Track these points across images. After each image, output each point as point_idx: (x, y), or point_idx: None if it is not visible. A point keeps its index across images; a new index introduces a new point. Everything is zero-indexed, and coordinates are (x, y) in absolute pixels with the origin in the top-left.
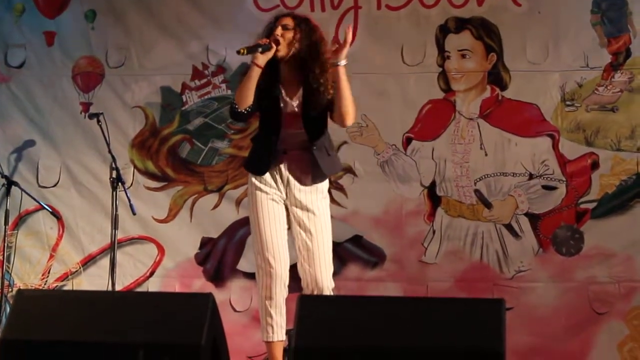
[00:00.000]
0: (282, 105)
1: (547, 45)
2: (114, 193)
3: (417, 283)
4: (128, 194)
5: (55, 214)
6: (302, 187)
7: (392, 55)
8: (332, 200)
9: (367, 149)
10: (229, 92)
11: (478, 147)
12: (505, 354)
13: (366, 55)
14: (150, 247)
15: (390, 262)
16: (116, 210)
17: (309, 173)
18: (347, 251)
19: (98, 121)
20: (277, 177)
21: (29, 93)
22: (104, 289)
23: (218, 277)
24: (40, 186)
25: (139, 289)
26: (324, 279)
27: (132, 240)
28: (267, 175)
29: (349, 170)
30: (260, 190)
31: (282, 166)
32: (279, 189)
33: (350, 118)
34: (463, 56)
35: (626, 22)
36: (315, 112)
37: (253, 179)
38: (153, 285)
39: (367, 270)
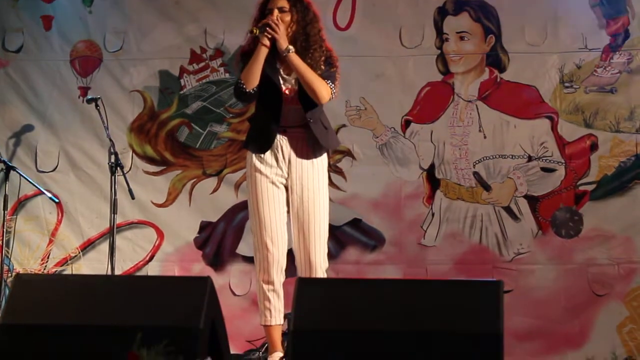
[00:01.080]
0: (281, 82)
1: (546, 27)
2: (113, 177)
3: (417, 266)
4: (127, 179)
5: (54, 198)
6: (303, 163)
7: (390, 38)
8: (331, 183)
9: (366, 132)
10: (227, 75)
11: (477, 130)
12: (503, 335)
13: (364, 38)
14: (149, 231)
15: (390, 245)
16: (115, 195)
17: (309, 147)
18: (346, 234)
19: (96, 105)
20: (279, 155)
21: (27, 78)
22: (104, 273)
23: (217, 261)
24: (39, 171)
25: (138, 274)
26: (317, 257)
27: (131, 225)
28: (268, 155)
29: (347, 153)
30: (260, 172)
31: (282, 143)
32: (280, 168)
33: (323, 95)
34: (461, 38)
35: (625, 3)
36: None
37: (253, 160)
38: (152, 270)
39: (366, 254)
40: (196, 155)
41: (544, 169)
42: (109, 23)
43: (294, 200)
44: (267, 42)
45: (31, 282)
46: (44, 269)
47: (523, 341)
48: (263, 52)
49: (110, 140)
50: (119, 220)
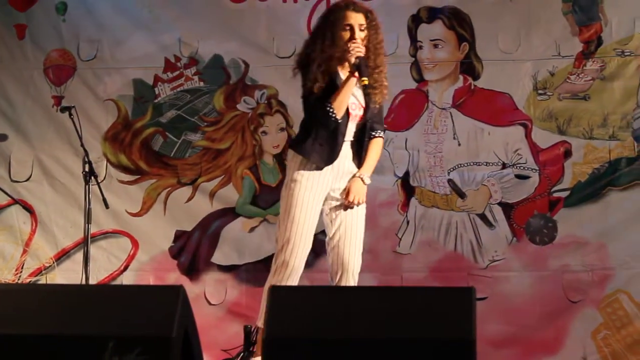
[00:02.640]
0: (351, 99)
1: (519, 34)
2: (87, 187)
3: (392, 273)
4: (101, 188)
5: (27, 208)
6: (351, 171)
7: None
8: None
9: None
10: (202, 84)
11: (451, 137)
12: (475, 342)
13: None
14: (124, 240)
15: (364, 253)
16: (89, 204)
17: (359, 160)
18: (320, 243)
19: (70, 114)
20: (328, 168)
21: (0, 87)
22: (78, 283)
23: (192, 270)
24: (12, 180)
25: (113, 283)
26: (355, 265)
27: (105, 234)
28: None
29: None
30: (305, 182)
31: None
32: (327, 179)
33: None
34: (435, 46)
35: (597, 10)
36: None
37: (301, 169)
38: (127, 279)
39: None
40: (171, 164)
41: (518, 176)
42: (82, 32)
43: (338, 211)
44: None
45: (5, 293)
46: (18, 279)
47: (498, 348)
48: (353, 82)
49: (85, 149)
50: (93, 229)
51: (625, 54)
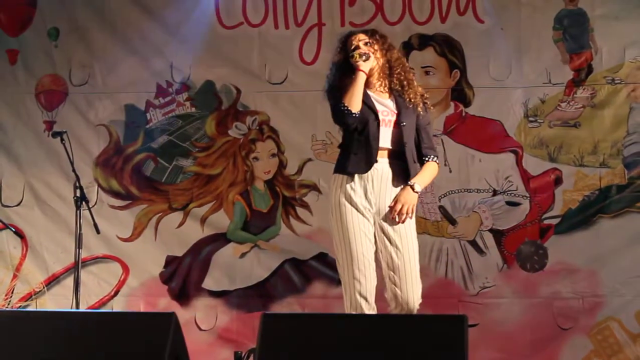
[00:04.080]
0: (375, 105)
1: (510, 62)
2: (78, 212)
3: (383, 300)
4: (92, 213)
5: (18, 233)
6: (391, 192)
7: None
8: (297, 217)
9: (332, 166)
10: (193, 109)
11: (442, 164)
12: None
13: None
14: (114, 266)
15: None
16: (80, 229)
17: (398, 178)
18: (312, 268)
19: (62, 140)
20: (368, 186)
21: None
22: (68, 308)
23: (183, 295)
24: (3, 205)
25: (103, 309)
26: (409, 296)
27: (96, 260)
28: (357, 185)
29: (313, 187)
30: (350, 201)
31: (372, 174)
32: (368, 200)
33: None
34: (426, 73)
35: (588, 38)
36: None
37: (344, 188)
38: (118, 305)
39: (332, 288)
40: (162, 190)
41: (509, 203)
42: (74, 57)
43: (384, 230)
44: (365, 69)
45: None
46: (8, 304)
47: None
48: (362, 78)
49: (76, 174)
50: (84, 254)
51: (616, 81)
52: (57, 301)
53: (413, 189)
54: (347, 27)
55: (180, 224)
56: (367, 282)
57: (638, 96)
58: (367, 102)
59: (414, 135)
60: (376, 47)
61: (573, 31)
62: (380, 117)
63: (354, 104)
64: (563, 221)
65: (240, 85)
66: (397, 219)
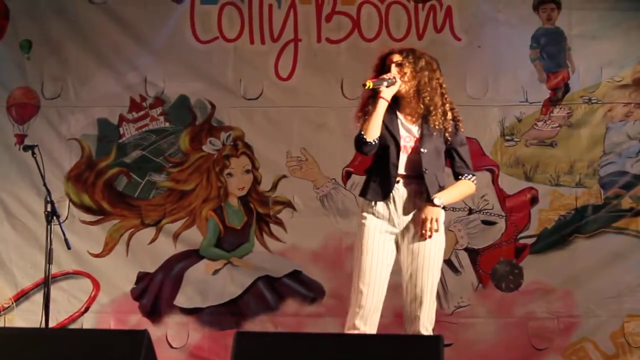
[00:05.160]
0: (400, 131)
1: (487, 80)
2: (49, 227)
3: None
4: (63, 228)
5: None
6: (415, 217)
7: (332, 89)
8: (271, 234)
9: (307, 183)
10: (167, 124)
11: None
12: None
13: (306, 88)
14: (85, 282)
15: (330, 298)
16: (50, 245)
17: (421, 200)
18: (285, 286)
19: (33, 153)
20: (391, 207)
21: None
22: (37, 325)
23: (154, 312)
24: None
25: (73, 325)
26: (425, 317)
27: (66, 275)
28: (381, 207)
29: (288, 204)
30: (372, 222)
31: (396, 195)
32: (391, 221)
33: (471, 194)
34: None
35: (565, 57)
36: (432, 140)
37: (366, 209)
38: (88, 321)
39: (305, 306)
40: (134, 205)
41: (484, 222)
42: (46, 70)
43: (406, 255)
44: (387, 96)
45: None
46: None
47: None
48: (383, 106)
49: (47, 188)
50: (54, 270)
51: (592, 101)
52: (26, 317)
53: (433, 203)
54: (323, 44)
55: (153, 240)
56: (370, 297)
57: (614, 116)
58: (390, 127)
59: (441, 161)
60: (407, 70)
61: (550, 50)
62: (402, 143)
63: (370, 132)
64: (539, 241)
65: (214, 101)
66: (424, 235)
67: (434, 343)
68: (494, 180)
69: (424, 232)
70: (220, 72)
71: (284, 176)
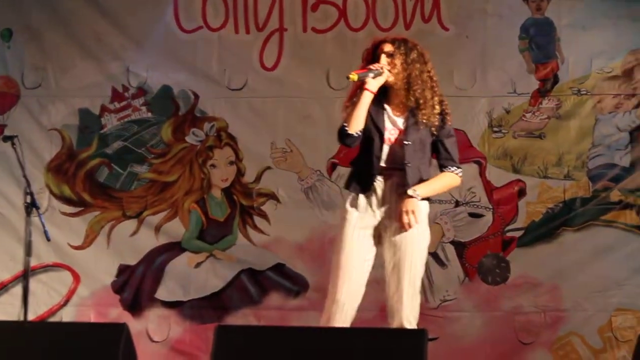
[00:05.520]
0: (385, 123)
1: (475, 71)
2: (28, 218)
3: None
4: (42, 220)
5: None
6: (396, 205)
7: (317, 79)
8: (254, 227)
9: (291, 175)
10: (150, 114)
11: None
12: None
13: (291, 78)
14: (65, 274)
15: (313, 291)
16: (30, 236)
17: (403, 192)
18: (269, 279)
19: (13, 144)
20: (372, 199)
21: None
22: (16, 318)
23: (135, 306)
24: None
25: (52, 318)
26: (406, 310)
27: (46, 268)
28: (362, 199)
29: (272, 196)
30: (351, 217)
31: (378, 187)
32: (373, 212)
33: (454, 187)
34: None
35: (554, 48)
36: (418, 132)
37: (347, 204)
38: (67, 315)
39: (289, 299)
40: (116, 197)
41: (471, 215)
42: (27, 59)
43: (388, 247)
44: (373, 88)
45: None
46: None
47: None
48: (367, 97)
49: (27, 179)
50: (33, 262)
51: (582, 92)
52: (5, 310)
53: (410, 195)
54: (309, 33)
55: (134, 232)
56: (346, 295)
57: (604, 108)
58: (375, 118)
59: (426, 154)
60: (398, 61)
61: (539, 41)
62: (386, 135)
63: (353, 124)
64: (526, 234)
65: (198, 91)
66: (403, 227)
67: (418, 337)
68: (481, 172)
69: (402, 219)
70: (204, 62)
71: (268, 168)
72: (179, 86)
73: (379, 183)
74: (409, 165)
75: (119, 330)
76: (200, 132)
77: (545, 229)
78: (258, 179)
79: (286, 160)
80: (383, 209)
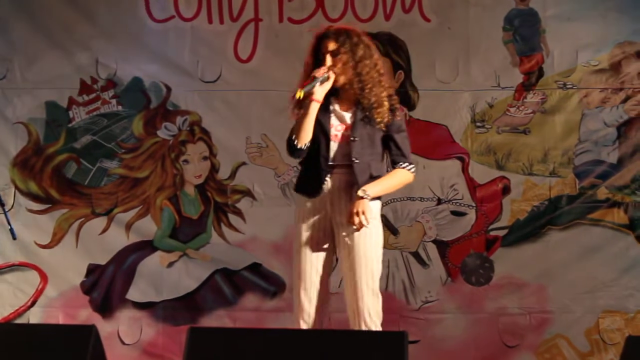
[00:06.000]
0: (331, 120)
1: (457, 64)
2: None
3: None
4: (8, 217)
5: None
6: (347, 206)
7: (294, 71)
8: (229, 225)
9: (267, 171)
10: (120, 108)
11: (385, 170)
12: None
13: (267, 70)
14: (32, 274)
15: (291, 292)
16: None
17: (352, 190)
18: (244, 280)
19: None
20: (324, 199)
21: None
22: None
23: (105, 307)
24: None
25: (19, 320)
26: (364, 307)
27: (12, 267)
28: (313, 201)
29: (247, 193)
30: (304, 219)
31: (327, 186)
32: (324, 211)
33: (407, 183)
34: None
35: (539, 40)
36: (368, 128)
37: (298, 205)
38: (34, 316)
39: (266, 300)
40: (85, 193)
41: (454, 213)
42: None
43: (342, 247)
44: (319, 97)
45: None
46: None
47: None
48: (315, 108)
49: None
50: None
51: (567, 86)
52: None
53: (359, 196)
54: (285, 24)
55: (104, 230)
56: (311, 304)
57: (591, 102)
58: (321, 117)
59: (376, 149)
60: (344, 59)
61: (524, 32)
62: (332, 132)
63: (302, 137)
64: (510, 233)
65: (170, 83)
66: (354, 227)
67: (398, 339)
68: (464, 169)
69: (352, 219)
70: (176, 53)
71: (244, 163)
72: (150, 78)
73: (327, 182)
74: (356, 162)
75: (88, 332)
76: (173, 126)
77: (530, 228)
78: (233, 175)
79: (262, 155)
80: (335, 209)
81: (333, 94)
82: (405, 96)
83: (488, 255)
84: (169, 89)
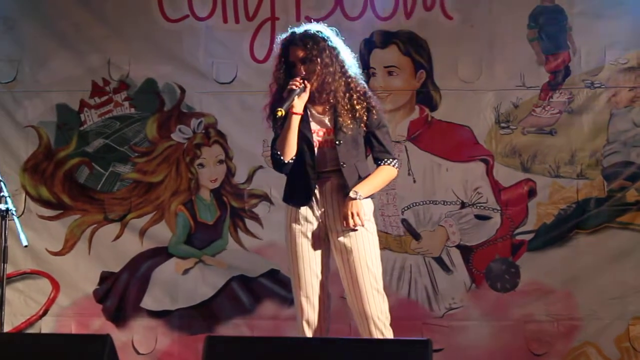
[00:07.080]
0: (312, 126)
1: (481, 62)
2: (3, 222)
3: (339, 321)
4: (18, 224)
5: None
6: (338, 207)
7: None
8: (246, 230)
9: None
10: (132, 110)
11: (406, 173)
12: None
13: None
14: (43, 282)
15: None
16: (5, 242)
17: (342, 193)
18: (262, 287)
19: None
20: (314, 204)
21: None
22: None
23: (119, 316)
24: None
25: (30, 330)
26: (372, 309)
27: (23, 275)
28: (304, 210)
29: (264, 197)
30: (296, 226)
31: (316, 192)
32: (315, 218)
33: (392, 179)
34: (389, 73)
35: (565, 38)
36: (347, 130)
37: (289, 214)
38: (46, 326)
39: (284, 308)
40: (97, 198)
41: (478, 217)
42: (1, 51)
43: (338, 252)
44: (299, 109)
45: None
46: None
47: None
48: (296, 120)
49: (1, 180)
50: (9, 270)
51: (595, 85)
52: None
53: (351, 197)
54: (302, 22)
55: (117, 237)
56: (314, 311)
57: (619, 101)
58: (302, 128)
59: (360, 149)
60: (314, 65)
61: (549, 30)
62: (315, 138)
63: (287, 152)
64: (537, 237)
65: (184, 85)
66: (349, 229)
67: (422, 347)
68: (489, 172)
69: (346, 221)
70: (190, 53)
71: (260, 167)
72: (163, 79)
73: (316, 190)
74: (344, 166)
75: (102, 342)
76: (187, 129)
77: (557, 232)
78: (249, 179)
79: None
80: (325, 212)
81: (307, 100)
82: (427, 96)
83: (514, 261)
84: (183, 91)
